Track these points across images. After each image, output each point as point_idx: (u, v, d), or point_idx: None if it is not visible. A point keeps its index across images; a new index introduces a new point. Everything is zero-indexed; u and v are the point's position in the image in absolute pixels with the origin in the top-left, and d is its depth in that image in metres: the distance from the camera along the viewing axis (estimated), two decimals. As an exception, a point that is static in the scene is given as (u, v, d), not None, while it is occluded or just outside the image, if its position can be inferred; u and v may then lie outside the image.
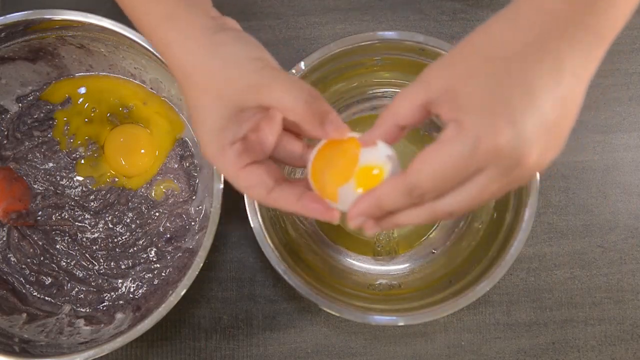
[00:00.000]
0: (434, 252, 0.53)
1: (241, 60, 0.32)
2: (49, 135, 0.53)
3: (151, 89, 0.53)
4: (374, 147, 0.33)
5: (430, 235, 0.54)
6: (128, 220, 0.53)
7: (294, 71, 0.47)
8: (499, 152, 0.27)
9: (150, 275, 0.52)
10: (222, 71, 0.32)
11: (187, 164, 0.53)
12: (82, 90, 0.53)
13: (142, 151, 0.53)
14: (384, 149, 0.33)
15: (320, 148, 0.35)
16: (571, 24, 0.28)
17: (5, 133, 0.52)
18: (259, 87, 0.31)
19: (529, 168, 0.28)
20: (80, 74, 0.53)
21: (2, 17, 0.45)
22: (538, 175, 0.46)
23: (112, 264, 0.52)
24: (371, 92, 0.55)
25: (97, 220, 0.53)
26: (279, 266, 0.45)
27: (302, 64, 0.47)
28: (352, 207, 0.32)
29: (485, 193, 0.29)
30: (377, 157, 0.33)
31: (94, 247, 0.52)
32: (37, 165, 0.52)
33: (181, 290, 0.44)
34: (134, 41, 0.46)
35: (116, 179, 0.53)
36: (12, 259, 0.51)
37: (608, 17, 0.28)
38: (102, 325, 0.49)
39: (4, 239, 0.52)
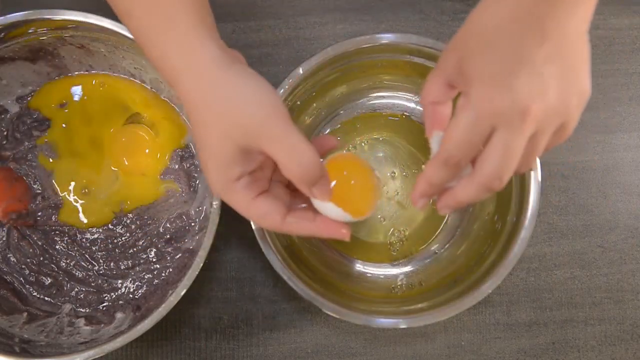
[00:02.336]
0: (436, 253, 0.53)
1: (249, 104, 0.33)
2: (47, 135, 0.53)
3: (151, 89, 0.53)
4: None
5: (437, 236, 0.54)
6: (128, 221, 0.53)
7: (291, 80, 0.47)
8: (498, 111, 0.31)
9: (150, 275, 0.52)
10: (229, 112, 0.33)
11: (188, 165, 0.53)
12: (80, 90, 0.53)
13: (147, 151, 0.53)
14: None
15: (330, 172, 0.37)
16: None
17: (5, 133, 0.52)
18: (263, 139, 0.33)
19: (541, 116, 0.32)
20: (80, 73, 0.53)
21: (2, 17, 0.45)
22: (540, 172, 0.46)
23: (111, 264, 0.52)
24: (371, 94, 0.55)
25: (97, 220, 0.53)
26: (280, 268, 0.45)
27: (300, 70, 0.47)
28: (412, 193, 0.37)
29: (512, 148, 0.32)
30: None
31: (94, 248, 0.52)
32: (37, 165, 0.52)
33: (181, 290, 0.44)
34: (134, 41, 0.46)
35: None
36: (12, 259, 0.51)
37: None
38: (102, 325, 0.49)
39: (4, 239, 0.52)
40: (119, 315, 0.50)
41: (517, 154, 0.33)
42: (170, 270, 0.51)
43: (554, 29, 0.31)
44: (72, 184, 0.53)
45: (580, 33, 0.32)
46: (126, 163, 0.53)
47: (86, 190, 0.52)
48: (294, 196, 0.40)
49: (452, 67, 0.34)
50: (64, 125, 0.53)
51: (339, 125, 0.55)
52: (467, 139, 0.33)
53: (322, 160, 0.38)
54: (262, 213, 0.36)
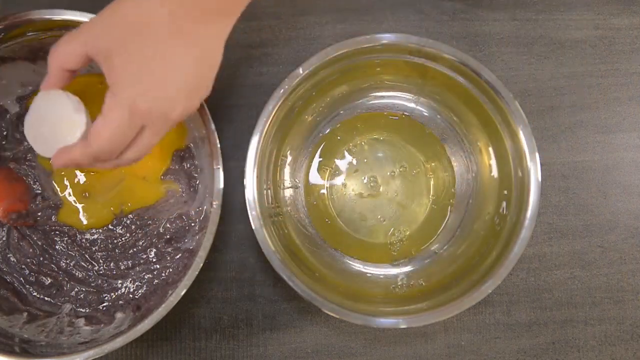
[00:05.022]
0: (436, 253, 0.53)
1: None
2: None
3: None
4: (60, 97, 0.41)
5: (437, 236, 0.54)
6: (128, 222, 0.53)
7: (291, 80, 0.47)
8: (150, 114, 0.36)
9: (150, 275, 0.52)
10: None
11: (188, 165, 0.53)
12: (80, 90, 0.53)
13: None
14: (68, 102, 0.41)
15: None
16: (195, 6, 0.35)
17: (5, 133, 0.52)
18: None
19: (175, 120, 0.37)
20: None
21: (2, 17, 0.45)
22: (540, 172, 0.46)
23: (111, 264, 0.52)
24: (371, 94, 0.55)
25: (97, 220, 0.53)
26: (280, 268, 0.45)
27: (300, 70, 0.47)
28: (55, 159, 0.40)
29: (149, 144, 0.38)
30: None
31: (94, 248, 0.52)
32: (37, 165, 0.52)
33: (181, 290, 0.44)
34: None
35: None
36: (12, 259, 0.51)
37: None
38: (102, 325, 0.49)
39: (4, 239, 0.52)
40: (119, 315, 0.50)
41: (149, 148, 0.39)
42: (170, 270, 0.51)
43: (203, 39, 0.37)
44: (72, 184, 0.53)
45: (204, 42, 0.37)
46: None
47: (86, 192, 0.52)
48: None
49: (100, 49, 0.36)
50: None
51: (339, 125, 0.55)
52: (120, 137, 0.36)
53: None
54: None
